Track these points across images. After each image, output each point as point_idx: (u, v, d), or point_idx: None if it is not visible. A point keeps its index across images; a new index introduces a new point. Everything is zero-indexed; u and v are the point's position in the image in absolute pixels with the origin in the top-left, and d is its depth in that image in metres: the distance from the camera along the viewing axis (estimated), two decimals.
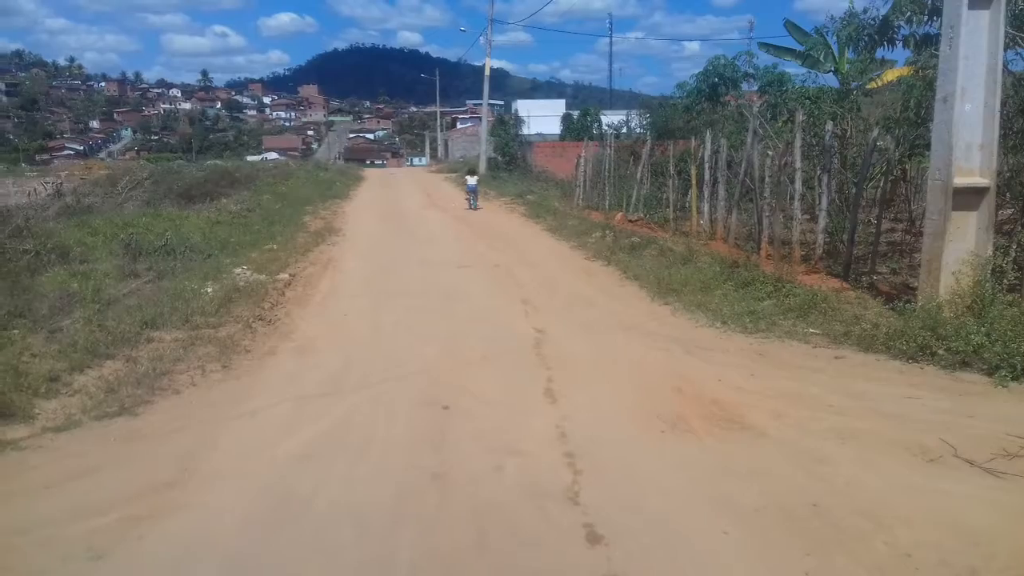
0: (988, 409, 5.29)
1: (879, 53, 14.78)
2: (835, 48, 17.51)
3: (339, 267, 12.23)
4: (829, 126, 10.27)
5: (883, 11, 12.27)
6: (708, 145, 13.34)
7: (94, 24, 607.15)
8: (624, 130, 27.56)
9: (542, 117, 44.05)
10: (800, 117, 10.57)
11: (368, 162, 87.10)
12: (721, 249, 11.49)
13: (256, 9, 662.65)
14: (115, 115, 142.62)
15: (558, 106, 50.59)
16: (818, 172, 10.45)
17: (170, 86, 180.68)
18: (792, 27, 19.48)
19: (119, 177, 23.96)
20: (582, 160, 20.92)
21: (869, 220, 10.50)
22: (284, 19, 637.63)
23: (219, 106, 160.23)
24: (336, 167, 50.30)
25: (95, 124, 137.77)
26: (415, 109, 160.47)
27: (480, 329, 8.11)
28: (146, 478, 4.52)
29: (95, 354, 6.69)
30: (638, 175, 17.05)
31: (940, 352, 6.23)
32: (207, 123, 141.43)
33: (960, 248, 7.10)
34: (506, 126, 39.57)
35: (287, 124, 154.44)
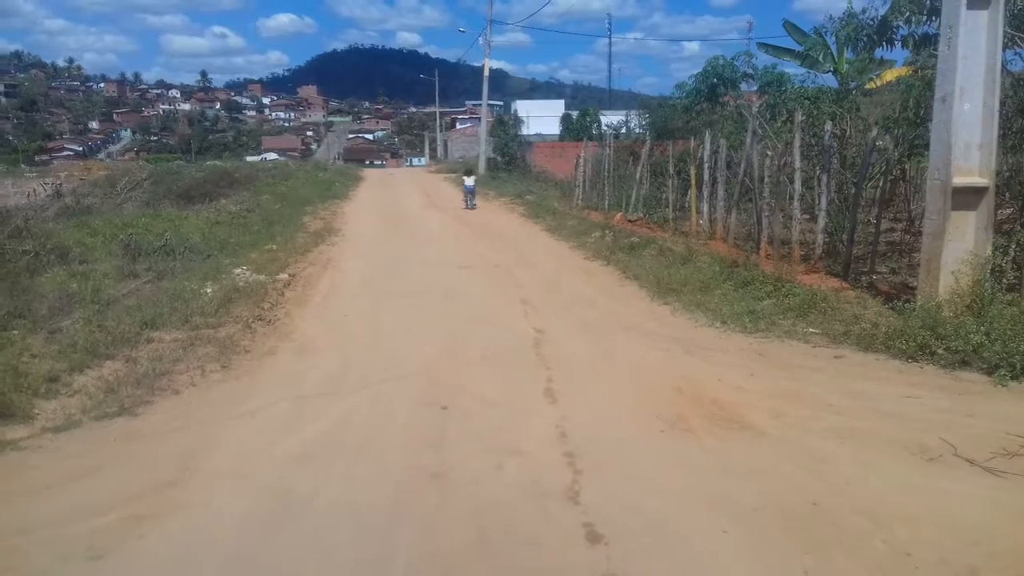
0: (988, 408, 5.30)
1: (878, 53, 14.81)
2: (834, 48, 17.55)
3: (339, 267, 12.23)
4: (828, 126, 10.27)
5: (882, 11, 12.29)
6: (707, 145, 13.34)
7: (93, 25, 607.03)
8: (623, 130, 27.60)
9: (541, 117, 44.12)
10: (799, 117, 10.58)
11: (367, 162, 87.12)
12: (721, 249, 11.50)
13: (255, 10, 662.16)
14: (114, 116, 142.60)
15: (557, 106, 50.68)
16: (817, 172, 10.45)
17: (169, 87, 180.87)
18: (791, 27, 19.52)
19: (118, 178, 24.01)
20: (581, 160, 20.93)
21: (868, 220, 10.51)
22: (283, 20, 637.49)
23: (218, 107, 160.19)
24: (335, 167, 50.27)
25: (94, 125, 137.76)
26: (414, 110, 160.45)
27: (480, 329, 8.11)
28: (146, 478, 4.52)
29: (95, 354, 6.69)
30: (637, 175, 17.05)
31: (939, 351, 6.23)
32: (206, 124, 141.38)
33: (959, 247, 7.10)
34: (505, 126, 39.58)
35: (286, 125, 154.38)
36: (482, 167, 35.60)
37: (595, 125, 33.14)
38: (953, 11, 7.02)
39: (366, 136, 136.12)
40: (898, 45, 12.77)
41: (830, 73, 18.07)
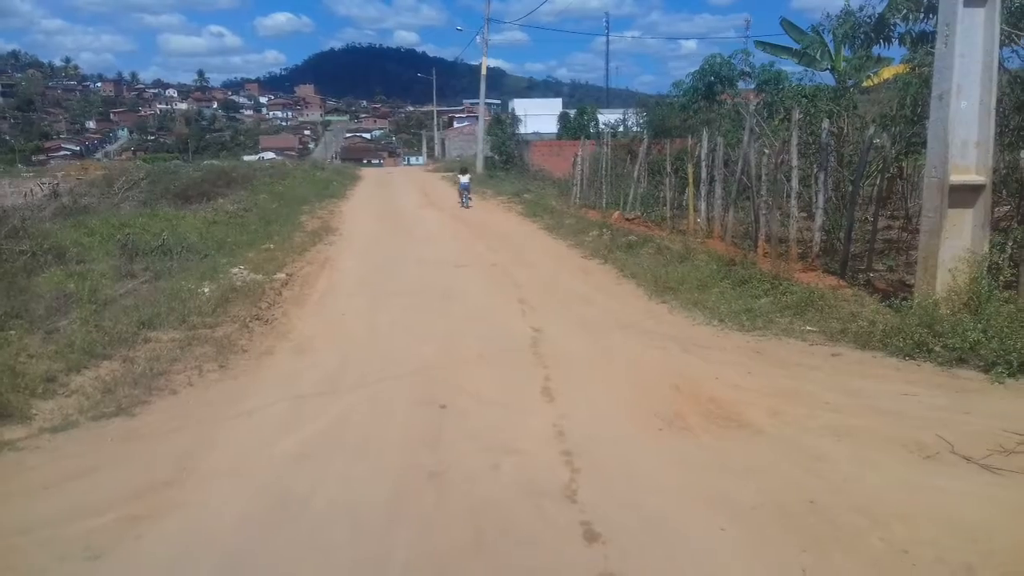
0: (985, 405, 5.31)
1: (875, 51, 14.88)
2: (831, 46, 17.58)
3: (336, 266, 12.22)
4: (825, 124, 10.27)
5: (879, 9, 12.34)
6: (705, 143, 13.36)
7: (90, 24, 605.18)
8: (621, 129, 27.55)
9: (539, 116, 44.12)
10: (796, 115, 10.59)
11: (365, 161, 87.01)
12: (718, 247, 11.50)
13: (252, 9, 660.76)
14: (111, 115, 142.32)
15: (555, 105, 50.75)
16: (815, 170, 10.46)
17: (166, 86, 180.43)
18: (788, 25, 19.56)
19: (115, 177, 23.99)
20: (579, 159, 20.93)
21: (866, 218, 10.53)
22: (280, 19, 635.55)
23: (215, 106, 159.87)
24: (333, 166, 50.26)
25: (91, 124, 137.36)
26: (412, 108, 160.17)
27: (477, 328, 8.10)
28: (143, 478, 4.51)
29: (92, 354, 6.68)
30: (635, 174, 17.06)
31: (936, 349, 6.24)
32: (203, 123, 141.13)
33: (956, 245, 7.11)
34: (503, 125, 39.55)
35: (284, 124, 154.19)
36: (480, 166, 35.62)
37: (593, 124, 33.09)
38: (950, 9, 7.02)
39: (363, 135, 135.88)
40: (895, 43, 12.83)
41: (827, 71, 18.11)
